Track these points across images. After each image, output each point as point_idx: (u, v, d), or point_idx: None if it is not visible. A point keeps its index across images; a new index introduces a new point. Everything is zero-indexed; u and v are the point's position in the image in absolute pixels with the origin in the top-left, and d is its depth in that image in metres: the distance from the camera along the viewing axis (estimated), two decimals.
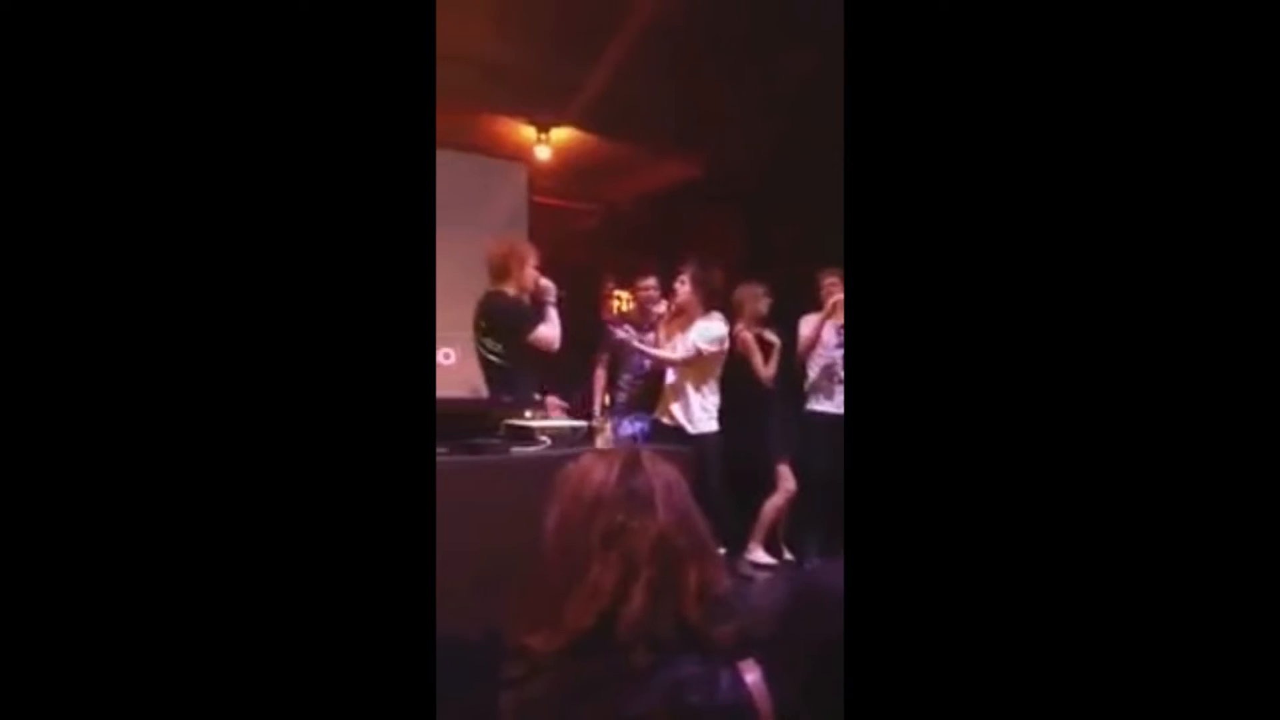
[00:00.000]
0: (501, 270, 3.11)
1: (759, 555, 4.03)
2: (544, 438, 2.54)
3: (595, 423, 2.70)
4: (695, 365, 3.68)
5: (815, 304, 4.08)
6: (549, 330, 3.04)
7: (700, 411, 3.71)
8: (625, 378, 3.93)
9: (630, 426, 3.75)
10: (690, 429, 3.69)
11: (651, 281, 3.96)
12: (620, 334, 3.84)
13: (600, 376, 3.95)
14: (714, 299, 3.77)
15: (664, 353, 3.75)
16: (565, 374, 3.72)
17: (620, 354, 3.93)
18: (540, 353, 3.03)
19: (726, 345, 3.75)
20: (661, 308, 3.93)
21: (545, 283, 3.13)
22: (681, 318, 3.82)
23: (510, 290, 3.10)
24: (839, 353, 4.03)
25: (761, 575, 3.87)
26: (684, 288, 3.73)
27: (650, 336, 3.94)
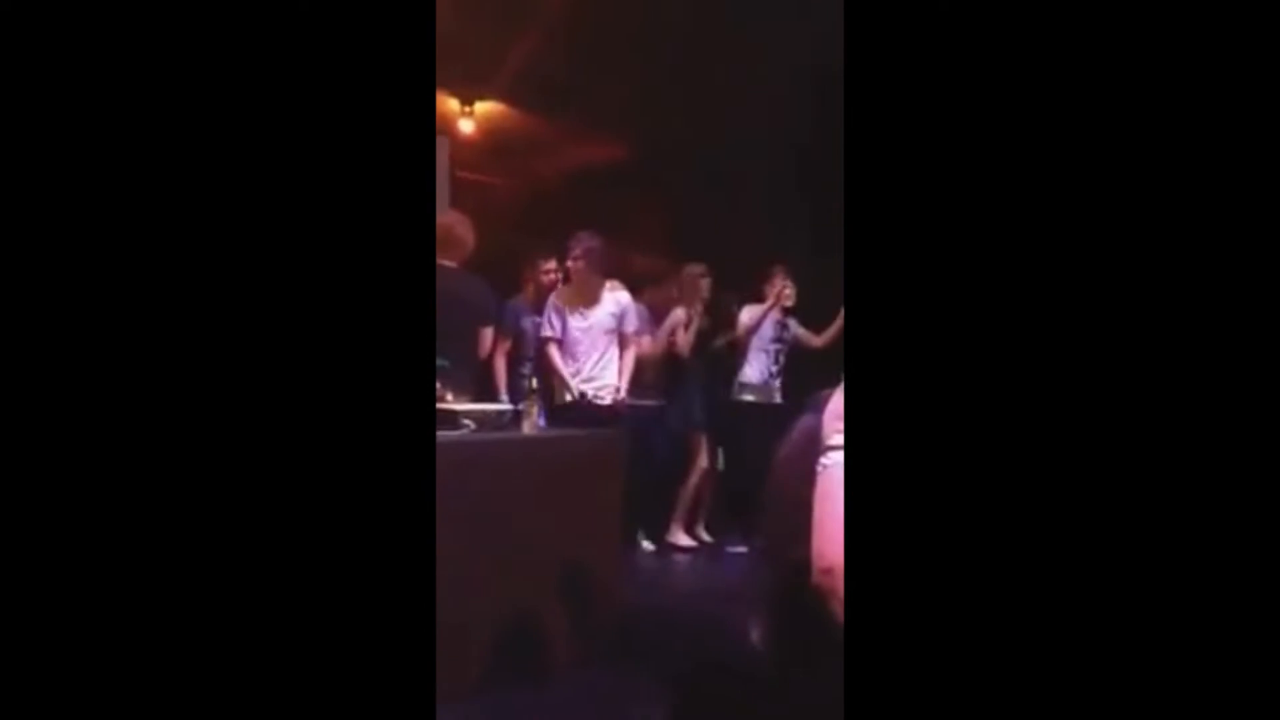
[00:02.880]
0: (444, 243, 3.05)
1: (680, 538, 4.06)
2: (467, 422, 2.48)
3: (522, 407, 2.64)
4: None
5: (751, 292, 4.12)
6: (487, 344, 3.22)
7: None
8: (528, 365, 3.79)
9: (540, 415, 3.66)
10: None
11: (552, 264, 3.87)
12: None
13: (500, 360, 3.73)
14: (607, 267, 3.68)
15: (629, 358, 3.69)
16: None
17: (521, 339, 3.81)
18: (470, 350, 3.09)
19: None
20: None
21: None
22: (579, 287, 3.70)
23: (449, 262, 3.07)
24: (775, 346, 4.08)
25: (683, 558, 3.90)
26: (578, 262, 3.61)
27: (545, 318, 3.85)
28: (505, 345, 3.76)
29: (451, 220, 3.22)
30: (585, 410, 3.57)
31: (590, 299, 3.65)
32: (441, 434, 2.38)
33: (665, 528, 4.03)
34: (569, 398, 3.63)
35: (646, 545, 3.96)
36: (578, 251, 3.59)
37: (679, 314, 3.96)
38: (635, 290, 3.94)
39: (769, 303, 4.01)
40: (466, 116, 4.91)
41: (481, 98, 4.83)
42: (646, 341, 3.82)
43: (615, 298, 3.67)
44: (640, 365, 3.79)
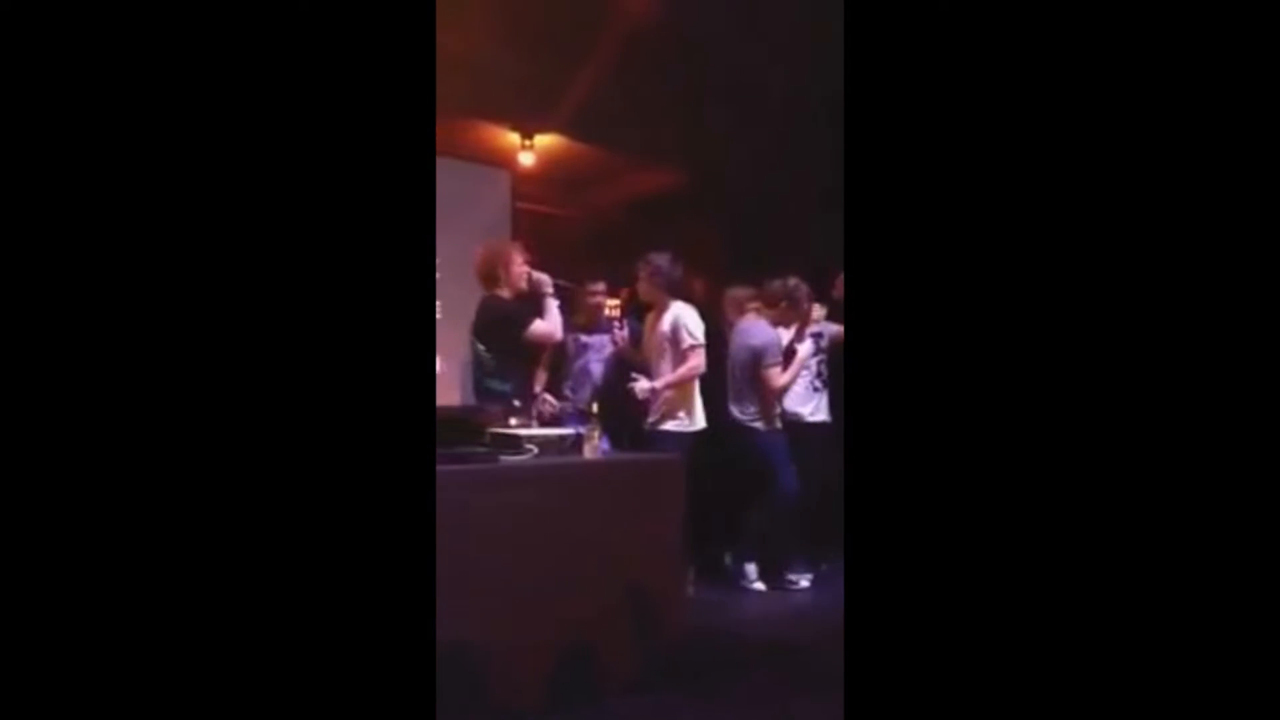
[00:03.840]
0: (489, 274, 3.12)
1: (754, 567, 3.99)
2: (531, 446, 2.51)
3: (584, 431, 2.67)
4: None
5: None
6: (546, 325, 3.07)
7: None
8: (568, 384, 3.80)
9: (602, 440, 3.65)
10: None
11: (600, 286, 3.90)
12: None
13: (541, 378, 3.75)
14: (676, 289, 3.69)
15: (675, 373, 3.59)
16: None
17: (564, 361, 3.80)
18: (540, 347, 3.07)
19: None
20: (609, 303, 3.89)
21: (539, 276, 3.15)
22: (646, 305, 3.76)
23: (504, 293, 3.10)
24: (813, 360, 4.03)
25: (757, 587, 3.75)
26: (643, 281, 3.66)
27: (603, 338, 3.87)
28: (545, 364, 3.80)
29: (508, 250, 3.23)
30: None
31: (655, 317, 3.69)
32: (505, 458, 2.42)
33: (740, 557, 3.96)
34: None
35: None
36: (645, 271, 3.64)
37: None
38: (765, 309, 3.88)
39: (794, 327, 3.94)
40: (526, 150, 5.03)
41: (541, 131, 4.94)
42: (776, 373, 3.72)
43: (671, 315, 3.61)
44: (775, 395, 3.74)
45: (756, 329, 3.81)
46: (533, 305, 3.11)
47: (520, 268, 3.13)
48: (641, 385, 3.57)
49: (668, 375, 3.60)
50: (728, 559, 3.92)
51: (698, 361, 3.56)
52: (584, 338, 3.87)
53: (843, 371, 3.99)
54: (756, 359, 3.73)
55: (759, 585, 3.77)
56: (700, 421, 3.64)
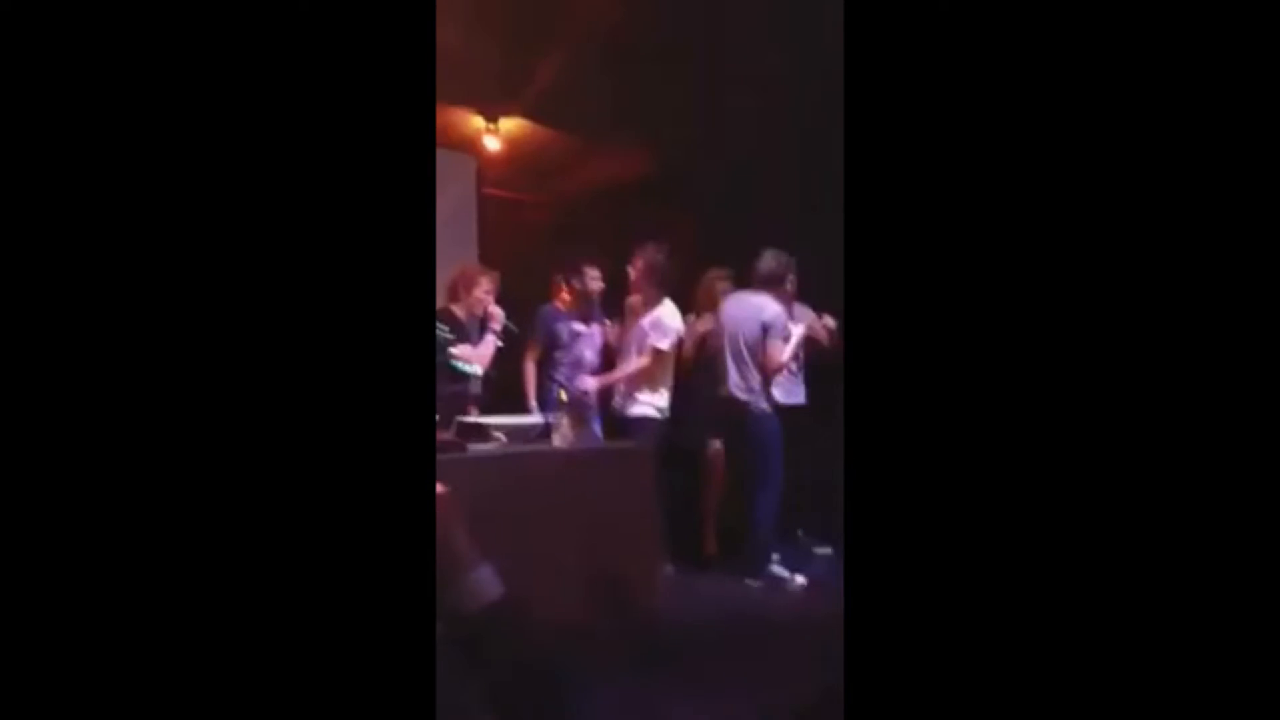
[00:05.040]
0: (452, 291, 3.26)
1: (715, 549, 3.98)
2: (499, 435, 2.47)
3: (553, 419, 2.63)
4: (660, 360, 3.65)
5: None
6: (473, 351, 3.17)
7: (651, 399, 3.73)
8: (563, 371, 3.74)
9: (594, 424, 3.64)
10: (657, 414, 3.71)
11: (596, 273, 3.84)
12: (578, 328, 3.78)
13: (530, 369, 3.73)
14: (666, 284, 3.72)
15: (629, 367, 3.68)
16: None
17: (555, 346, 3.75)
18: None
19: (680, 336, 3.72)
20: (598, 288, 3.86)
21: (493, 309, 3.29)
22: (635, 305, 3.79)
23: (456, 310, 3.22)
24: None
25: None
26: (635, 274, 3.69)
27: (595, 327, 3.85)
28: (535, 352, 3.76)
29: (476, 274, 3.36)
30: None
31: (642, 310, 3.71)
32: (473, 446, 2.38)
33: (701, 539, 3.96)
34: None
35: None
36: (640, 264, 3.66)
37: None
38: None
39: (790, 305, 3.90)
40: (491, 134, 4.94)
41: (506, 115, 4.86)
42: (780, 346, 3.55)
43: (656, 312, 3.66)
44: (775, 370, 3.60)
45: (762, 301, 3.60)
46: (471, 330, 3.23)
47: (482, 293, 3.26)
48: (588, 382, 3.64)
49: (628, 368, 3.68)
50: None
51: (649, 363, 3.63)
52: (577, 326, 3.80)
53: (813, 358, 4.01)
54: (765, 331, 3.53)
55: (800, 580, 3.52)
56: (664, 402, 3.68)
